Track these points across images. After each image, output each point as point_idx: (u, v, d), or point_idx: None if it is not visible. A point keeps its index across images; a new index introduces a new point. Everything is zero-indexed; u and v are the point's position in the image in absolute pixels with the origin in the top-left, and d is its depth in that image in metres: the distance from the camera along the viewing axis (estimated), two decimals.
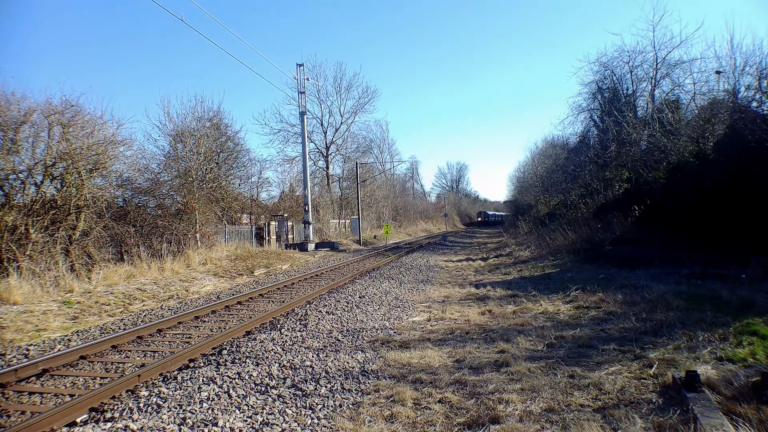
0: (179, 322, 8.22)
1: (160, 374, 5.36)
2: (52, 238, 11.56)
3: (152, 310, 9.91)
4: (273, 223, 25.65)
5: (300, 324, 7.69)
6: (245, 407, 4.32)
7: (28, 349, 6.75)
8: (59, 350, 6.57)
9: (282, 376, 5.17)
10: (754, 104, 14.54)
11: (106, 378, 5.42)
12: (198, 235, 17.75)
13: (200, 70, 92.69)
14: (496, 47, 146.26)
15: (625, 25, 62.88)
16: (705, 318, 6.43)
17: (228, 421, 4.00)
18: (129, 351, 6.61)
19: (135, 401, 4.50)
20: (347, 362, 5.63)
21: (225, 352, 6.17)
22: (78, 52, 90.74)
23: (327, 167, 44.61)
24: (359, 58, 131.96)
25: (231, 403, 4.40)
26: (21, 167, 11.99)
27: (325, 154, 44.63)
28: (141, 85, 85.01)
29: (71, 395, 4.86)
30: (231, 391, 4.71)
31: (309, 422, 4.03)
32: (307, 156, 27.67)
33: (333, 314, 8.47)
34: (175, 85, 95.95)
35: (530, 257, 17.93)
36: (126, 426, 3.89)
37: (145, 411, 4.26)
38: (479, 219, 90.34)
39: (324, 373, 5.24)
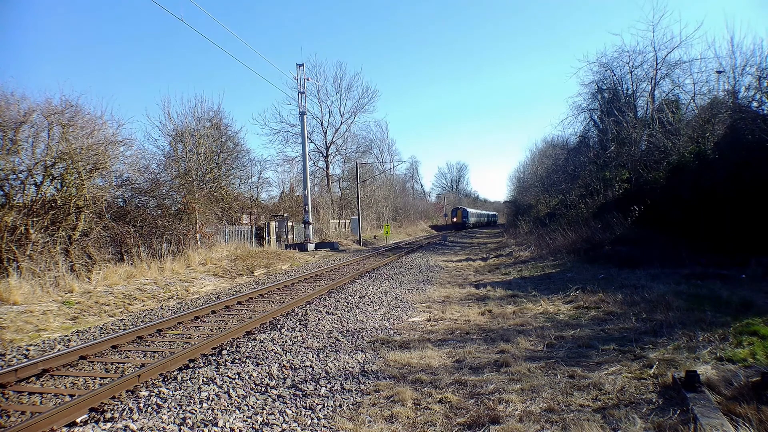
0: (179, 322, 8.21)
1: (160, 374, 5.36)
2: (52, 238, 11.56)
3: (152, 310, 9.91)
4: (273, 223, 25.65)
5: (300, 324, 7.69)
6: (245, 407, 4.32)
7: (28, 349, 6.74)
8: (59, 350, 6.57)
9: (282, 377, 5.16)
10: (755, 104, 14.56)
11: (106, 378, 5.42)
12: (198, 235, 17.75)
13: (200, 70, 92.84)
14: (496, 47, 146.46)
15: (624, 25, 63.08)
16: (705, 318, 6.43)
17: (228, 421, 4.00)
18: (129, 351, 6.61)
19: (135, 401, 4.50)
20: (347, 362, 5.63)
21: (225, 352, 6.17)
22: (78, 52, 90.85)
23: (327, 167, 44.65)
24: (359, 58, 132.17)
25: (231, 404, 4.40)
26: (21, 167, 12.00)
27: (325, 154, 44.66)
28: (141, 85, 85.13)
29: (71, 395, 4.86)
30: (231, 391, 4.71)
31: (309, 422, 4.03)
32: (307, 156, 27.66)
33: (333, 314, 8.47)
34: (175, 85, 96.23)
35: (530, 257, 17.93)
36: (126, 426, 3.89)
37: (145, 411, 4.26)
38: (454, 220, 60.98)
39: (324, 374, 5.23)
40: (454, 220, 60.80)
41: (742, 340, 5.49)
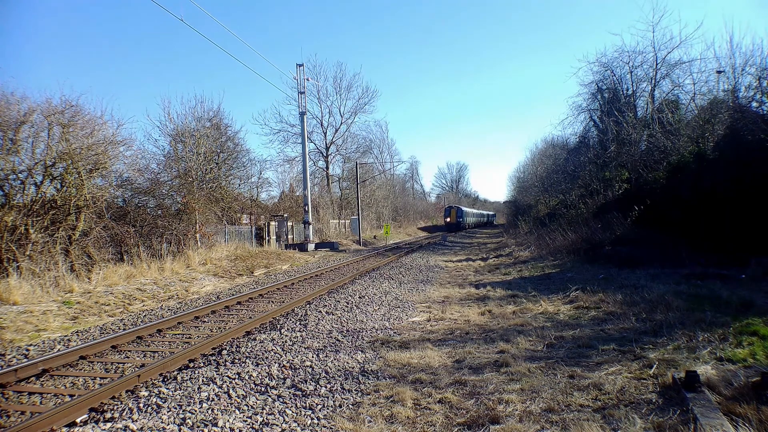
0: (179, 323, 8.21)
1: (160, 374, 5.36)
2: (51, 239, 11.55)
3: (152, 310, 9.91)
4: (273, 223, 25.65)
5: (300, 324, 7.69)
6: (245, 407, 4.32)
7: (27, 349, 6.74)
8: (59, 350, 6.57)
9: (282, 377, 5.16)
10: (754, 104, 14.58)
11: (106, 378, 5.42)
12: (198, 235, 17.75)
13: (200, 70, 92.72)
14: (497, 47, 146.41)
15: (624, 25, 63.36)
16: (705, 318, 6.43)
17: (228, 421, 4.00)
18: (129, 351, 6.61)
19: (135, 401, 4.50)
20: (347, 362, 5.63)
21: (225, 352, 6.17)
22: (78, 52, 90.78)
23: (327, 167, 44.64)
24: (359, 58, 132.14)
25: (231, 404, 4.40)
26: (21, 167, 12.00)
27: (325, 155, 44.65)
28: (141, 85, 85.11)
29: (71, 395, 4.86)
30: (231, 391, 4.71)
31: (309, 422, 4.03)
32: (307, 156, 27.66)
33: (333, 314, 8.47)
34: (175, 85, 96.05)
35: (530, 257, 17.93)
36: (126, 426, 3.89)
37: (145, 411, 4.26)
38: (448, 220, 56.23)
39: (324, 374, 5.23)
40: (448, 220, 56.13)
41: (742, 340, 5.49)
